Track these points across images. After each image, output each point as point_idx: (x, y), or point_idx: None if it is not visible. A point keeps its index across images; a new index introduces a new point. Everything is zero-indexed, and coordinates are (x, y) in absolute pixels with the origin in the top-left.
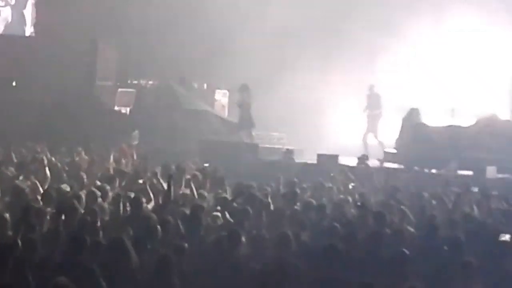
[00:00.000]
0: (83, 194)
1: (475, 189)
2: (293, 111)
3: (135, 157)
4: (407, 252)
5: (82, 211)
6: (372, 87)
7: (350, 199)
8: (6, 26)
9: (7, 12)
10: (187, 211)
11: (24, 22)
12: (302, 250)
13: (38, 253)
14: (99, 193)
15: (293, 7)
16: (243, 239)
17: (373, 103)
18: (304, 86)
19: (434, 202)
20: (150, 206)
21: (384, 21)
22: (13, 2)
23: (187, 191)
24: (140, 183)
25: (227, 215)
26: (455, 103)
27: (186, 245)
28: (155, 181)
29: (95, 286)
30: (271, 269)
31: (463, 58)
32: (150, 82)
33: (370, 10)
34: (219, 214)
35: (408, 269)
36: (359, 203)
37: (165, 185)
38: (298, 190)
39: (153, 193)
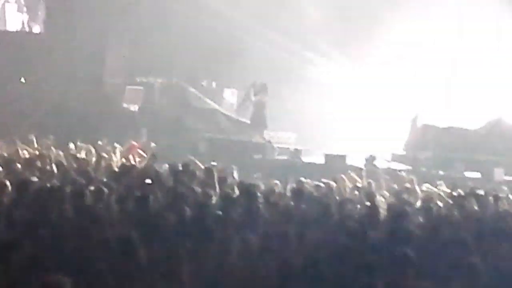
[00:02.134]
0: (89, 191)
1: (482, 192)
2: (302, 111)
3: (143, 154)
4: (411, 253)
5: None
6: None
7: (356, 199)
8: (13, 23)
9: (14, 9)
10: (192, 210)
11: (32, 20)
12: (306, 249)
13: (45, 251)
14: (106, 190)
15: (304, 6)
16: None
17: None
18: (313, 85)
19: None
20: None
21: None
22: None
23: (193, 189)
24: (148, 181)
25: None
26: (464, 105)
27: (191, 244)
28: (161, 179)
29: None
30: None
31: (474, 60)
32: (159, 80)
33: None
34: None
35: (412, 270)
36: (368, 203)
37: (171, 183)
38: (304, 189)
39: (159, 191)
